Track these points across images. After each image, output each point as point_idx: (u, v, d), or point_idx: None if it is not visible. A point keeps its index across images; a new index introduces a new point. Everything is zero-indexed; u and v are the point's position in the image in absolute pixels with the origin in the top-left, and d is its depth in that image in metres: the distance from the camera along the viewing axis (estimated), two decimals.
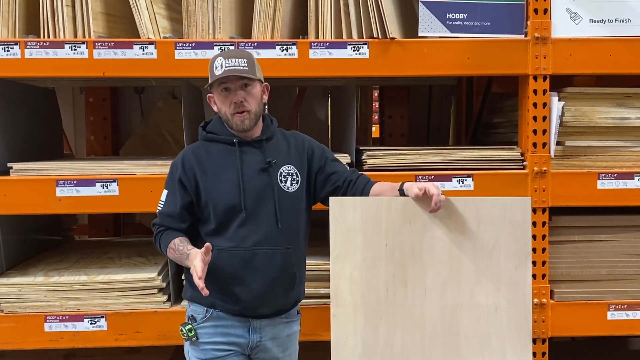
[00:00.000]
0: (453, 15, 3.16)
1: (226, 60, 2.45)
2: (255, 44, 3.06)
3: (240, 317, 2.53)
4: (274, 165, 2.52)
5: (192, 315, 2.56)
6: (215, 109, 2.58)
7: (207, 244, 2.35)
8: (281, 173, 2.54)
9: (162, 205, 2.56)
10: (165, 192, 2.58)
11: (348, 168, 2.70)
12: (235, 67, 2.44)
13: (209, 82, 2.51)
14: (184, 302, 3.15)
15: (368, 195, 2.60)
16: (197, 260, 2.33)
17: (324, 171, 2.62)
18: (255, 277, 2.48)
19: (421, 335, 2.53)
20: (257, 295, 2.49)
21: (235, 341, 2.54)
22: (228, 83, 2.47)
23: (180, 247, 2.45)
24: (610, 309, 3.20)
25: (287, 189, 2.53)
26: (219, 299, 2.50)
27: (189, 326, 2.54)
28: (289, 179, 2.54)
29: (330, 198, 2.54)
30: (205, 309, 2.54)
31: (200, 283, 2.29)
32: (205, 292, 2.29)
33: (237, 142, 2.52)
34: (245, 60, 2.47)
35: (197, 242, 2.51)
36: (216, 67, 2.46)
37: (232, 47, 3.03)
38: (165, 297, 3.14)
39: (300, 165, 2.58)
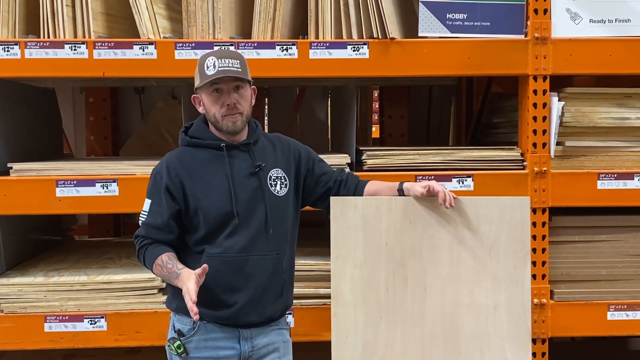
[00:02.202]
0: (453, 16, 3.16)
1: (219, 60, 2.37)
2: (255, 44, 3.06)
3: (229, 327, 2.44)
4: (263, 169, 2.46)
5: (179, 330, 2.47)
6: (200, 110, 2.49)
7: (205, 265, 2.26)
8: (270, 177, 2.47)
9: (145, 216, 2.45)
10: (148, 201, 2.46)
11: (333, 168, 2.66)
12: (229, 68, 2.36)
13: (199, 82, 2.41)
14: None
15: (362, 195, 2.58)
16: (190, 282, 2.22)
17: (313, 173, 2.58)
18: (246, 283, 2.41)
19: (421, 334, 2.54)
20: (247, 302, 2.42)
21: (226, 354, 2.45)
22: (221, 84, 2.38)
23: (169, 265, 2.34)
24: (610, 309, 3.19)
25: (277, 192, 2.47)
26: (207, 308, 2.39)
27: (178, 342, 2.44)
28: (278, 182, 2.48)
29: (332, 198, 2.54)
30: (192, 321, 2.42)
31: (193, 308, 2.18)
32: (196, 316, 2.19)
33: (225, 146, 2.44)
34: (238, 61, 2.40)
35: (184, 252, 2.45)
36: (207, 67, 2.37)
37: (232, 47, 3.02)
38: (165, 298, 3.13)
39: (288, 169, 2.53)
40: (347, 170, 2.70)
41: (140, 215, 2.48)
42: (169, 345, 2.47)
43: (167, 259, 2.36)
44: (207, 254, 2.37)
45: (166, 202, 2.41)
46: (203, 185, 2.42)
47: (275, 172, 2.50)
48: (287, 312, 2.63)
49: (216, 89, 2.39)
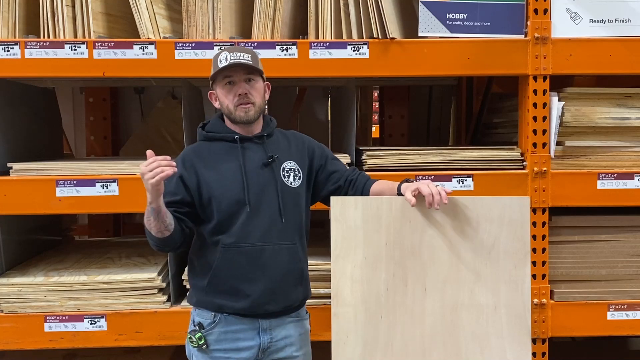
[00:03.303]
0: (453, 16, 3.16)
1: (231, 54, 2.47)
2: (255, 44, 3.06)
3: (249, 317, 2.50)
4: (276, 160, 2.53)
5: (200, 322, 2.53)
6: (216, 105, 2.58)
7: (149, 150, 2.31)
8: (283, 168, 2.54)
9: None
10: None
11: (347, 167, 2.71)
12: (240, 60, 2.46)
13: (212, 74, 2.51)
14: (184, 302, 3.15)
15: (368, 194, 2.61)
16: (151, 157, 2.28)
17: (325, 169, 2.64)
18: (262, 273, 2.47)
19: (421, 334, 2.53)
20: (265, 291, 2.48)
21: (245, 346, 2.51)
22: (233, 76, 2.48)
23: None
24: (610, 309, 3.20)
25: (290, 184, 2.54)
26: (226, 299, 2.48)
27: (199, 334, 2.50)
28: (292, 174, 2.55)
29: (332, 197, 2.55)
30: (213, 313, 2.51)
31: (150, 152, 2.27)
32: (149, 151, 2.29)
33: (239, 138, 2.52)
34: (249, 55, 2.50)
35: (201, 244, 2.53)
36: (220, 61, 2.47)
37: None
38: (165, 297, 3.14)
39: (302, 162, 2.59)
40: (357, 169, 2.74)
41: None
42: (189, 338, 2.53)
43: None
44: (223, 245, 2.45)
45: (176, 187, 2.47)
46: (217, 175, 2.49)
47: (289, 164, 2.57)
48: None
49: (229, 81, 2.49)
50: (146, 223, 2.40)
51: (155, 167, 2.25)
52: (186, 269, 3.12)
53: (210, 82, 2.55)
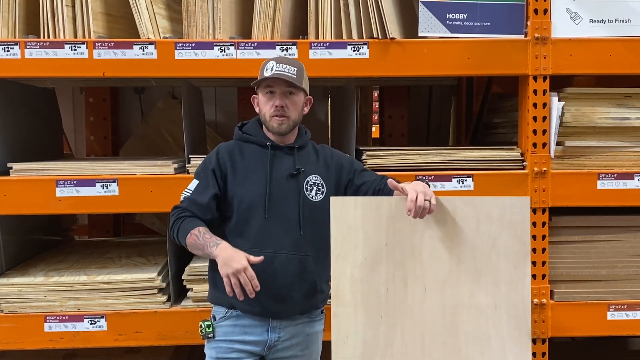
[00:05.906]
0: (453, 16, 3.16)
1: (278, 64, 2.51)
2: (255, 44, 3.06)
3: (260, 316, 2.56)
4: (302, 173, 2.58)
5: (213, 316, 2.62)
6: (256, 109, 2.64)
7: (261, 257, 2.38)
8: (307, 182, 2.59)
9: (190, 192, 2.56)
10: (195, 181, 2.58)
11: (376, 175, 2.70)
12: (284, 73, 2.50)
13: (256, 81, 2.56)
14: (184, 302, 3.16)
15: None
16: (250, 270, 2.34)
17: (353, 184, 2.67)
18: (273, 280, 2.51)
19: (421, 334, 2.53)
20: (275, 298, 2.53)
21: (252, 340, 2.56)
22: (274, 87, 2.54)
23: (206, 235, 2.43)
24: (610, 309, 3.20)
25: (312, 198, 2.58)
26: (238, 300, 2.50)
27: (208, 322, 2.59)
28: (315, 188, 2.60)
29: (332, 198, 2.55)
30: (226, 310, 2.58)
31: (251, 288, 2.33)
32: (243, 296, 2.34)
33: (270, 145, 2.58)
34: (295, 69, 2.54)
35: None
36: (266, 70, 2.52)
37: (232, 47, 3.03)
38: (165, 298, 3.14)
39: (327, 177, 2.63)
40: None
41: (184, 192, 2.58)
42: (200, 325, 2.60)
43: (205, 231, 2.46)
44: (239, 248, 2.46)
45: (211, 183, 2.55)
46: (243, 177, 2.56)
47: (313, 179, 2.61)
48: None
49: (270, 91, 2.54)
50: (191, 242, 2.45)
51: (245, 280, 2.34)
52: (186, 268, 3.14)
53: (255, 87, 2.60)
